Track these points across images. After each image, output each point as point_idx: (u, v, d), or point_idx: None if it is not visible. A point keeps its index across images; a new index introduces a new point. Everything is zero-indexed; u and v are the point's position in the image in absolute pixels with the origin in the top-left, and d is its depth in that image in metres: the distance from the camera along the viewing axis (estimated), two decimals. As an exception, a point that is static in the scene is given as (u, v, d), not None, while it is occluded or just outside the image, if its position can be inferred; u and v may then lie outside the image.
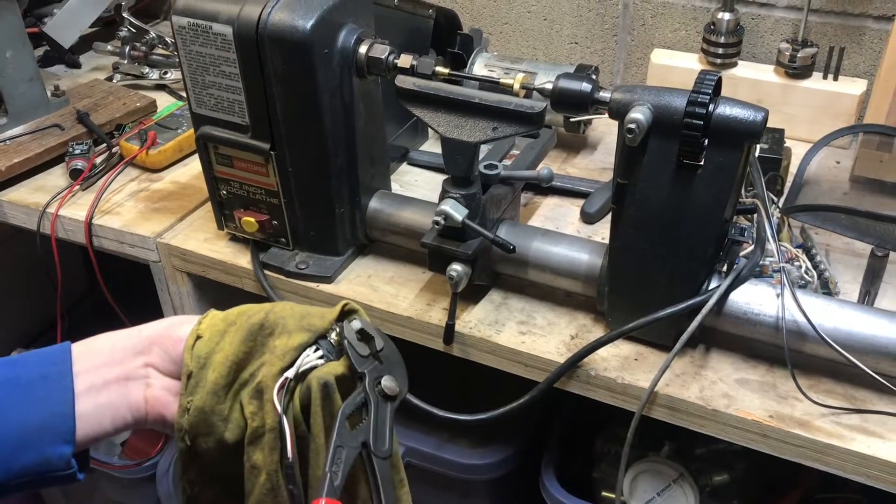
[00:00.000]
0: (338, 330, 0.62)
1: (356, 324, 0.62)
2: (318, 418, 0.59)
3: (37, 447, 0.58)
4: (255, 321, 0.62)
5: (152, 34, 1.33)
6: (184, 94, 1.26)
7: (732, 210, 0.74)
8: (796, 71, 1.10)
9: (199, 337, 0.62)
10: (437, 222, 0.78)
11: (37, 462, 0.58)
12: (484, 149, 0.90)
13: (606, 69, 1.27)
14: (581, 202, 1.01)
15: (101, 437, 0.62)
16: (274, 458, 0.60)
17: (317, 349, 0.61)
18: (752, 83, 1.13)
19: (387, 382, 0.60)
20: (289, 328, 0.61)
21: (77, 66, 1.39)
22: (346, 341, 0.61)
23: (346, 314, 0.64)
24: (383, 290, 0.89)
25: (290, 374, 0.60)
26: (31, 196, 1.06)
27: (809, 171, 1.04)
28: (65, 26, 1.32)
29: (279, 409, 0.59)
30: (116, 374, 0.61)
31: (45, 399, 0.59)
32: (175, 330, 0.63)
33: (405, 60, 0.81)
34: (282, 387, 0.59)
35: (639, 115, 0.68)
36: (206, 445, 0.62)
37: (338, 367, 0.61)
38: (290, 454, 0.58)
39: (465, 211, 0.78)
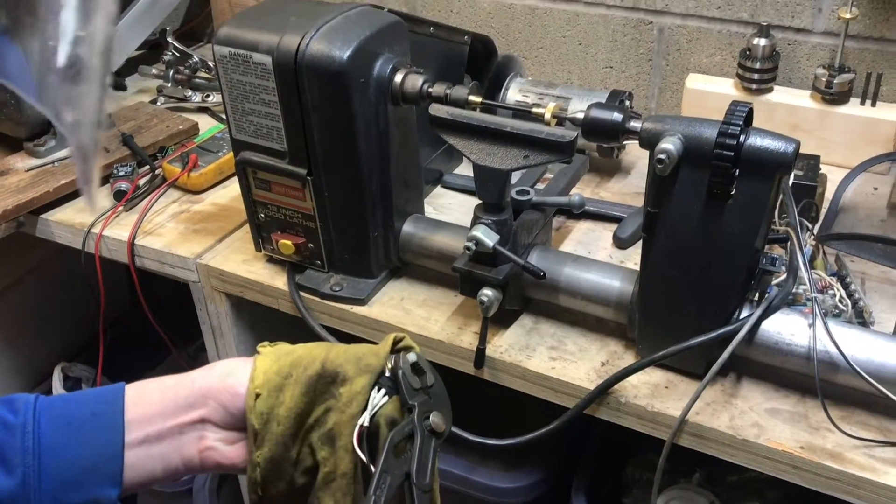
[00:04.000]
0: (392, 362, 0.63)
1: (412, 356, 0.64)
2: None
3: (85, 487, 0.58)
4: (313, 373, 0.63)
5: (195, 58, 1.36)
6: (225, 117, 1.30)
7: (763, 240, 0.74)
8: (833, 97, 1.09)
9: (257, 395, 0.62)
10: (468, 248, 0.79)
11: (84, 502, 0.58)
12: (517, 173, 0.91)
13: (641, 94, 1.27)
14: (613, 226, 1.01)
15: (151, 484, 0.62)
16: (347, 502, 0.61)
17: (379, 388, 0.63)
18: (789, 109, 1.12)
19: (435, 418, 0.62)
20: (349, 374, 0.63)
21: (123, 88, 1.44)
22: (400, 371, 0.62)
23: (398, 346, 0.65)
24: (415, 312, 0.90)
25: (366, 420, 0.61)
26: (77, 216, 1.09)
27: (846, 198, 1.03)
28: (112, 50, 1.36)
29: (363, 457, 0.60)
30: (170, 427, 0.62)
31: (95, 438, 0.60)
32: (228, 381, 0.63)
33: (439, 89, 0.82)
34: (360, 435, 0.61)
35: (669, 145, 0.68)
36: (276, 490, 0.64)
37: (397, 401, 0.63)
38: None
39: (497, 237, 0.79)
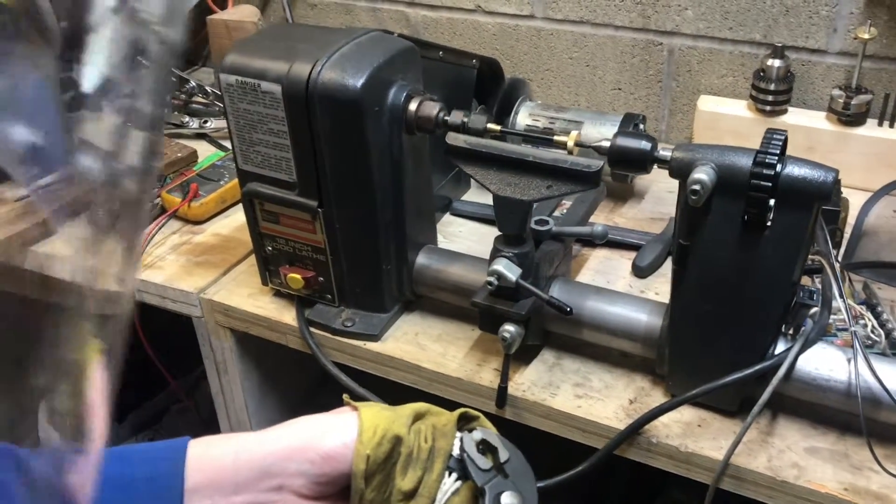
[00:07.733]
0: (459, 443, 0.59)
1: (477, 434, 0.60)
2: None
3: None
4: (403, 454, 0.58)
5: (192, 83, 1.33)
6: (224, 144, 1.27)
7: (801, 272, 0.71)
8: (850, 118, 1.07)
9: (368, 457, 0.56)
10: (490, 283, 0.76)
11: None
12: (535, 203, 0.88)
13: (651, 115, 1.25)
14: (631, 254, 0.98)
15: None
16: None
17: (450, 473, 0.59)
18: (804, 131, 1.10)
19: (507, 500, 0.57)
20: (422, 459, 0.59)
21: (118, 114, 1.40)
22: (465, 455, 0.58)
23: (465, 419, 0.62)
24: (431, 348, 0.86)
25: None
26: (74, 249, 1.05)
27: (868, 223, 1.01)
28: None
29: None
30: (242, 500, 0.55)
31: None
32: (314, 441, 0.57)
33: (456, 117, 0.79)
34: None
35: (703, 175, 0.65)
36: None
37: (470, 486, 0.59)
38: None
39: (519, 270, 0.76)
